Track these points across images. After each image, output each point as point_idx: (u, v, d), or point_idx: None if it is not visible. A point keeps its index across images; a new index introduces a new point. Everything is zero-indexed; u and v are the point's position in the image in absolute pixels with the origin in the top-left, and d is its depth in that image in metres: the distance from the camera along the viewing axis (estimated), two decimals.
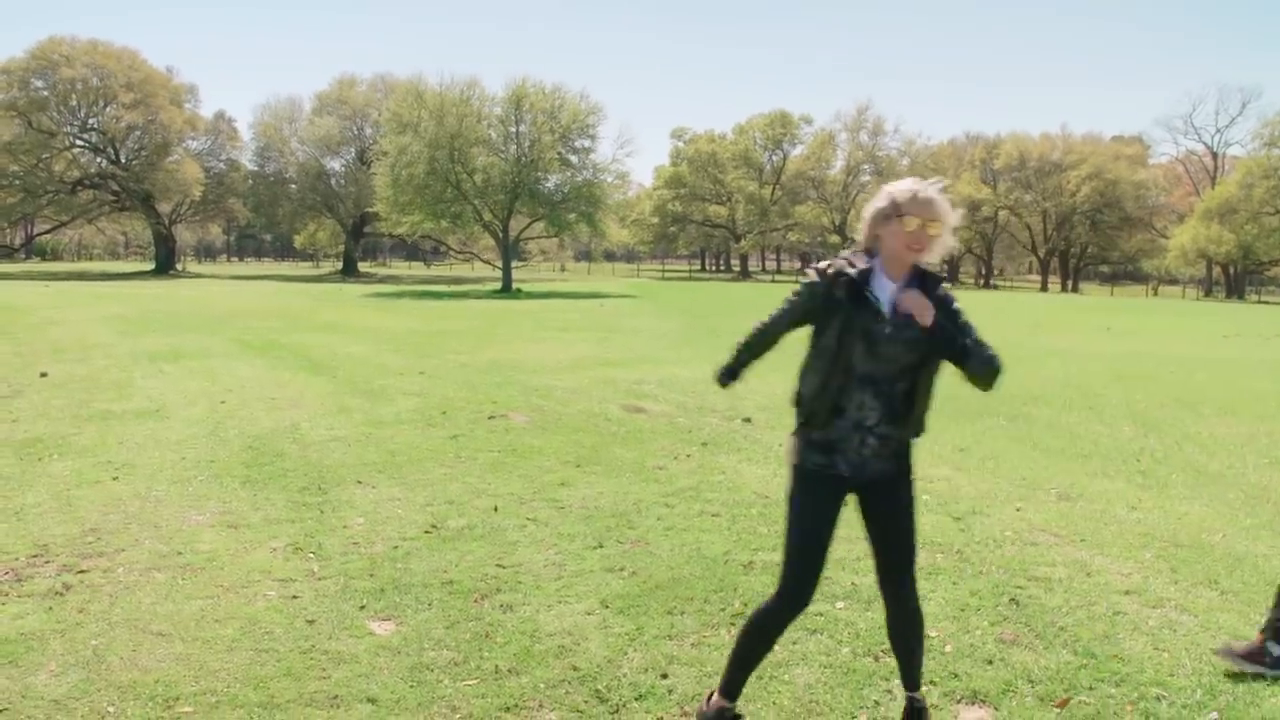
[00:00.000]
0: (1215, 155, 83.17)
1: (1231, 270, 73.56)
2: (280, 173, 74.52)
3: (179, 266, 73.08)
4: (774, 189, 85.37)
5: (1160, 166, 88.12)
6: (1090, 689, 4.09)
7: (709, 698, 3.66)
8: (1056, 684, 4.14)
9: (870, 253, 3.40)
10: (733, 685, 3.59)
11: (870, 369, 3.30)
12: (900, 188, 3.35)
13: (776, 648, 4.42)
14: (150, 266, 69.21)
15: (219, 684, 3.99)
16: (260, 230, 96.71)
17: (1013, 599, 5.07)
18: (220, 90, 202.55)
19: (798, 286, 3.48)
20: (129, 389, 11.92)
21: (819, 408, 3.34)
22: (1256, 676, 4.23)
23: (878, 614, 4.84)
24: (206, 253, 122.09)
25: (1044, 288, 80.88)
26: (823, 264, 3.44)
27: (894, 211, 3.30)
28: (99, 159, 66.69)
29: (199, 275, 61.61)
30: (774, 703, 3.95)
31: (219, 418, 9.93)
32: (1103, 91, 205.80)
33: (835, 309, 3.30)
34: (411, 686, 4.01)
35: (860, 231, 3.47)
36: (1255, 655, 4.24)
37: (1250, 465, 8.83)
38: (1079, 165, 79.79)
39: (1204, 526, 6.70)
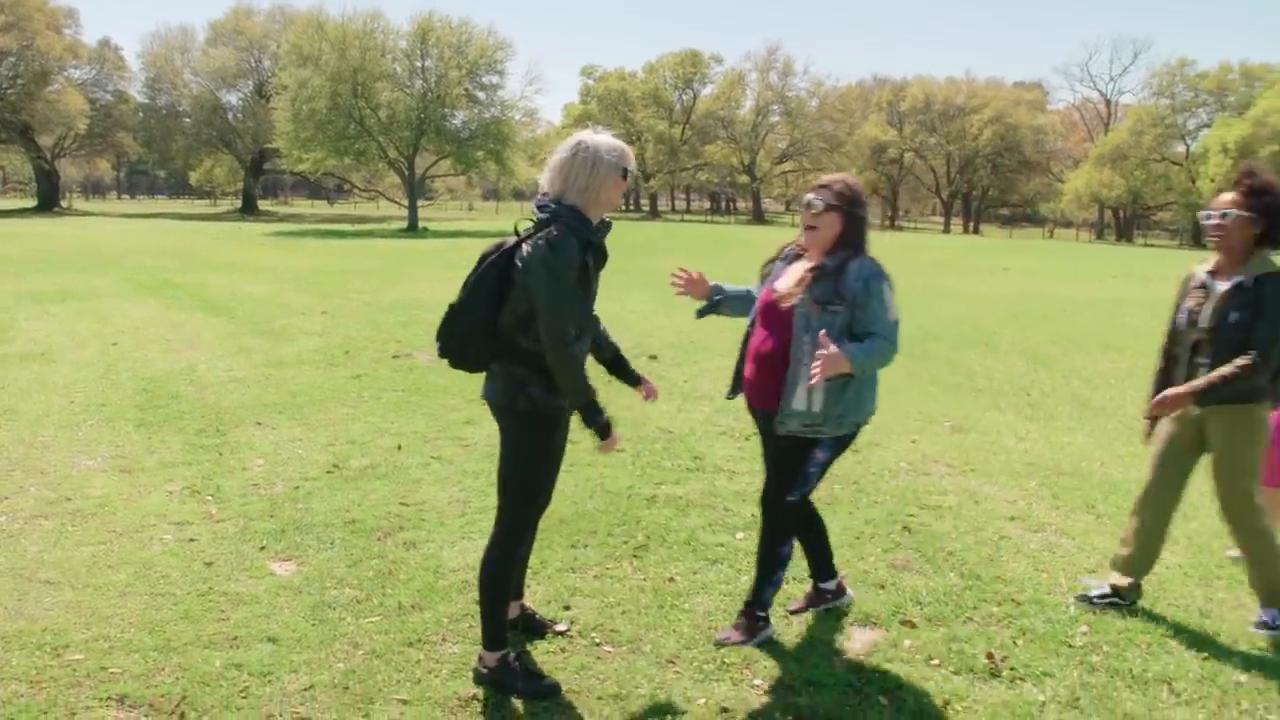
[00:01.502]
0: (1109, 103, 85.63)
1: (1121, 214, 76.11)
2: (173, 106, 71.47)
3: (64, 204, 69.83)
4: (684, 128, 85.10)
5: (1058, 112, 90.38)
6: (975, 608, 4.29)
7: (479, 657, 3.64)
8: (944, 606, 4.33)
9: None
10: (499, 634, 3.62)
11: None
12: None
13: (677, 578, 4.55)
14: (32, 204, 66.05)
15: (112, 630, 3.92)
16: (153, 166, 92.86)
17: (905, 527, 5.26)
18: (104, 16, 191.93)
19: None
20: (11, 331, 11.46)
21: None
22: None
23: None
24: (95, 189, 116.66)
25: (946, 229, 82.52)
26: None
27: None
28: None
29: (86, 213, 58.93)
30: (674, 630, 4.04)
31: (110, 360, 9.63)
32: (1006, 37, 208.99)
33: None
34: (313, 625, 4.00)
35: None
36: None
37: (1129, 398, 9.24)
38: (981, 109, 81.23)
39: (1085, 455, 7.03)
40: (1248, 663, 3.91)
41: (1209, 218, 3.96)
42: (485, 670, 3.58)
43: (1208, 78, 71.88)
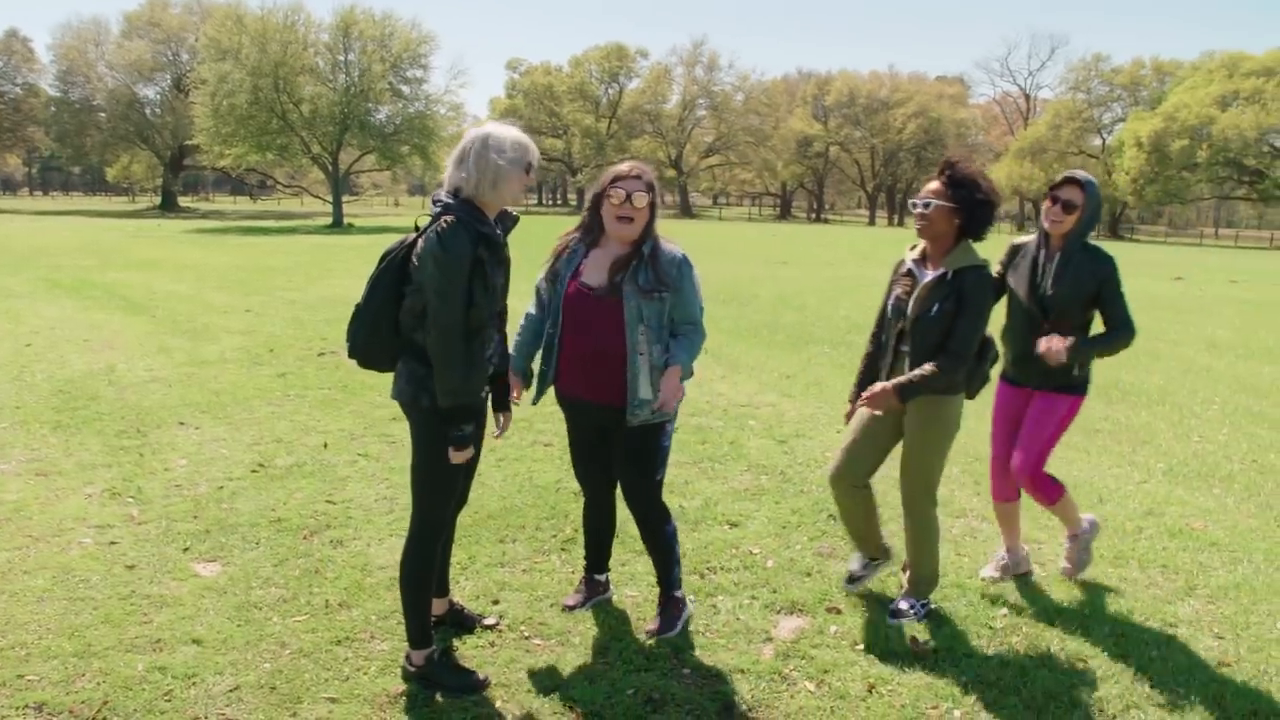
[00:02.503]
0: (1028, 97, 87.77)
1: (1041, 206, 77.86)
2: (87, 100, 69.23)
3: None
4: (610, 122, 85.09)
5: (979, 106, 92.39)
6: (898, 594, 4.38)
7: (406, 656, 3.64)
8: (868, 592, 4.41)
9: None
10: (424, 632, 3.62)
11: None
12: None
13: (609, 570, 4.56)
14: None
15: (28, 636, 3.82)
16: (66, 162, 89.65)
17: (831, 515, 5.34)
18: (11, 6, 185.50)
19: None
20: None
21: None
22: (1024, 579, 4.62)
23: (704, 535, 5.06)
24: (5, 186, 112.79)
25: (871, 222, 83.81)
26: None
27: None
28: None
29: None
30: (603, 622, 4.07)
31: (24, 361, 9.34)
32: (928, 32, 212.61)
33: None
34: (239, 626, 3.95)
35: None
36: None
37: None
38: (905, 103, 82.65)
39: None
40: (1160, 639, 4.06)
41: (914, 206, 4.02)
42: (413, 668, 3.57)
43: (1122, 73, 74.09)
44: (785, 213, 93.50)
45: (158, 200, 70.86)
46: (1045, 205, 4.25)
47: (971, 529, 5.32)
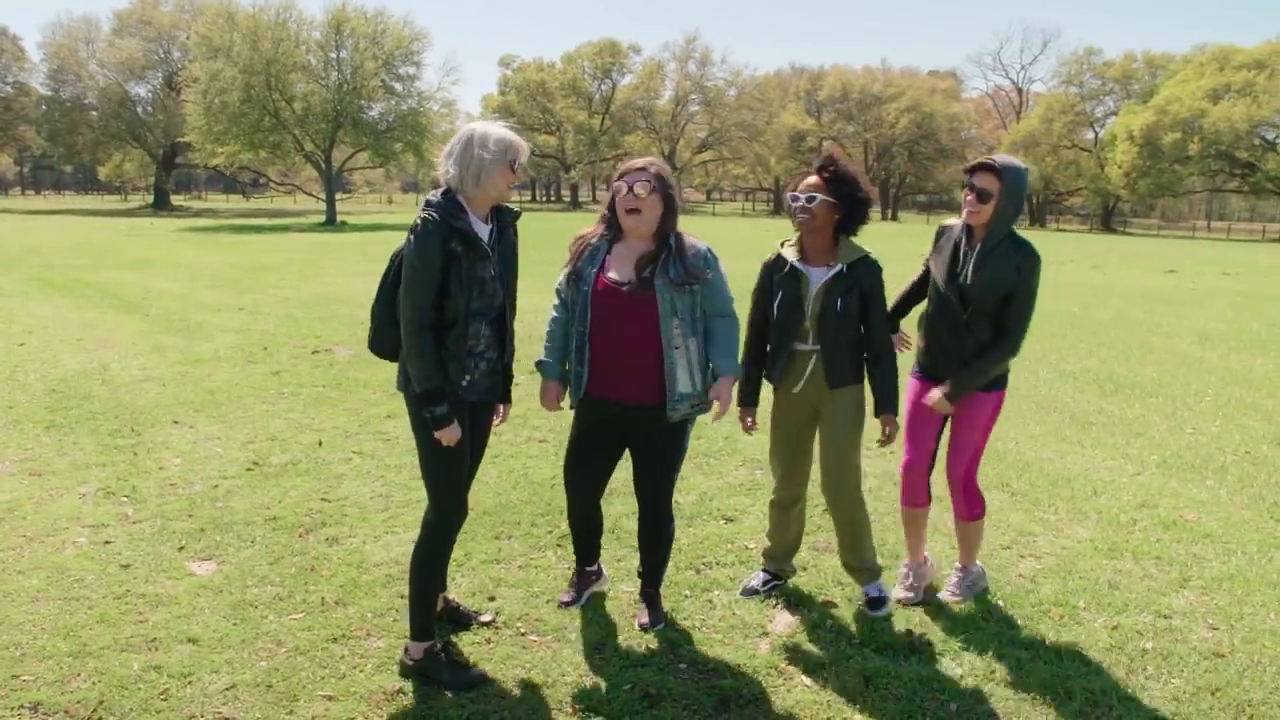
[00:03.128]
0: (1020, 91, 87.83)
1: (1034, 200, 78.02)
2: (79, 98, 68.94)
3: None
4: (603, 119, 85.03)
5: (972, 101, 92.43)
6: (894, 587, 4.38)
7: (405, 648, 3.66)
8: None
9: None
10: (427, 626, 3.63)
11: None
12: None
13: (601, 566, 4.57)
14: None
15: (23, 637, 3.81)
16: (59, 161, 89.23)
17: (825, 510, 5.33)
18: (1, 5, 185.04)
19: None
20: None
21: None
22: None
23: (700, 530, 5.06)
24: None
25: None
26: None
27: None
28: None
29: None
30: (599, 618, 4.08)
31: (17, 361, 9.32)
32: (920, 28, 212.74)
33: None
34: (234, 624, 3.94)
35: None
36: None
37: (1042, 379, 9.52)
38: (898, 98, 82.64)
39: (999, 435, 7.19)
40: (1155, 630, 4.07)
41: (795, 200, 3.97)
42: (411, 662, 3.57)
43: (1114, 66, 74.19)
44: (778, 208, 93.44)
45: (150, 199, 70.70)
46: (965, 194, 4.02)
47: None
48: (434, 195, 3.41)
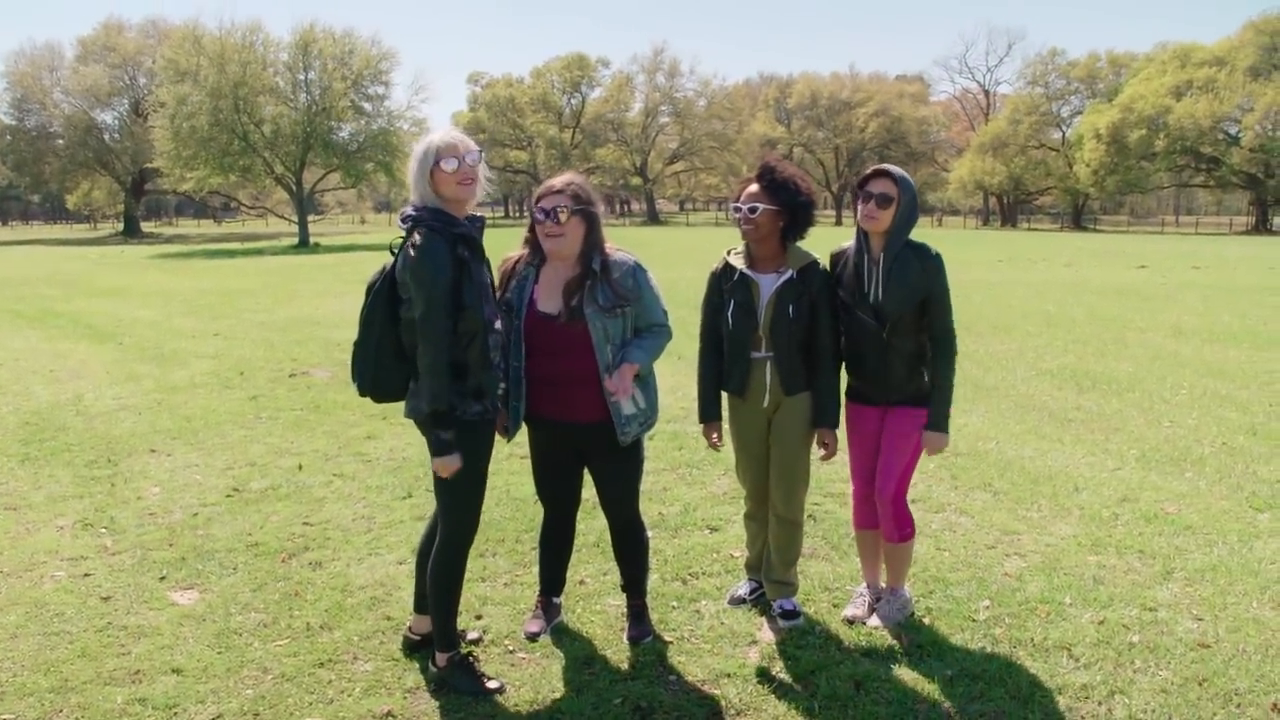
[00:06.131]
0: (987, 93, 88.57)
1: (1005, 200, 78.67)
2: (44, 127, 68.40)
3: None
4: (574, 132, 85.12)
5: (940, 104, 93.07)
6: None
7: (432, 657, 3.71)
8: (852, 591, 4.42)
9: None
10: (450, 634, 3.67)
11: None
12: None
13: (587, 580, 4.56)
14: None
15: (3, 674, 3.75)
16: (25, 191, 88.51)
17: (810, 515, 5.35)
18: None
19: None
20: None
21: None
22: (1013, 571, 4.65)
23: (685, 540, 5.05)
24: None
25: (838, 222, 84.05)
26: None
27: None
28: None
29: None
30: (588, 632, 4.06)
31: None
32: (887, 33, 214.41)
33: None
34: (219, 653, 3.90)
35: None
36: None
37: (1019, 377, 9.58)
38: (866, 103, 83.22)
39: (980, 435, 7.25)
40: (1141, 623, 4.09)
41: (738, 210, 3.94)
42: (435, 669, 3.65)
43: (1078, 66, 74.93)
44: None
45: (120, 226, 70.11)
46: (860, 204, 3.90)
47: (950, 523, 5.34)
48: (409, 212, 3.37)
